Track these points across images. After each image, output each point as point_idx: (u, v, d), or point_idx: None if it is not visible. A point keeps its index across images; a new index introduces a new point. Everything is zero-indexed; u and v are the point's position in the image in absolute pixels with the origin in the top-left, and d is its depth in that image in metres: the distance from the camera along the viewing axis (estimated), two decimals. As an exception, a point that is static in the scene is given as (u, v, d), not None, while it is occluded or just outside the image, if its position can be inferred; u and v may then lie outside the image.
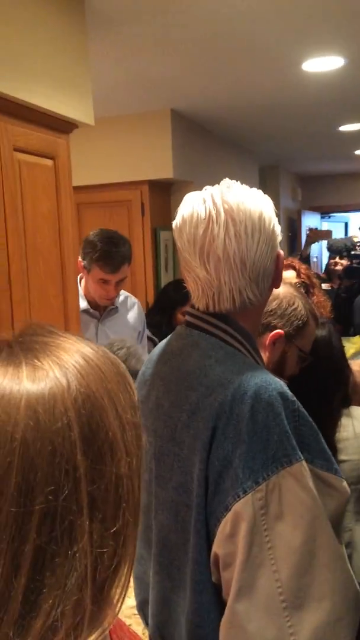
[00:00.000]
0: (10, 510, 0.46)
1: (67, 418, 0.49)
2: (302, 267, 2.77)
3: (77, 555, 0.48)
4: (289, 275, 2.66)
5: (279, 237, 1.03)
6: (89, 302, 2.49)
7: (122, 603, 0.53)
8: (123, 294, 2.62)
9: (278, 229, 1.03)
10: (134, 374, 1.87)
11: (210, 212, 0.97)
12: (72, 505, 0.48)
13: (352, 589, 0.88)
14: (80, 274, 2.47)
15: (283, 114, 3.95)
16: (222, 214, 0.96)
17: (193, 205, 0.99)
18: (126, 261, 2.40)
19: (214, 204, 0.97)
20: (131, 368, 1.86)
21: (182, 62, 2.72)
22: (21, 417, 0.47)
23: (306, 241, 5.53)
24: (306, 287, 2.67)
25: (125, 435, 0.52)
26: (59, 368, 0.51)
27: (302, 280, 2.67)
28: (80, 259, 2.38)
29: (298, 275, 2.69)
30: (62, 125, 1.92)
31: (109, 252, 2.33)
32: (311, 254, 6.71)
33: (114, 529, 0.51)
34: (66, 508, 0.47)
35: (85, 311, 2.46)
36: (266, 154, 5.54)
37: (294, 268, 2.63)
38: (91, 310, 2.48)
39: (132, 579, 1.16)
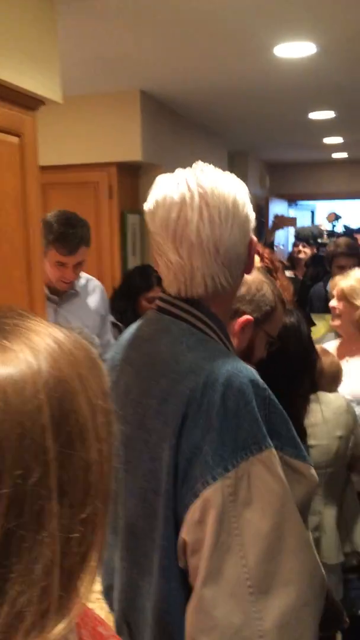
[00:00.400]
0: None
1: (37, 400, 0.47)
2: (265, 252, 2.79)
3: (45, 540, 0.47)
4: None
5: (252, 223, 1.02)
6: (48, 287, 2.41)
7: (90, 592, 0.52)
8: (84, 277, 2.56)
9: (252, 214, 1.02)
10: None
11: (183, 195, 0.95)
12: (42, 490, 0.47)
13: (318, 575, 0.89)
14: None
15: (253, 99, 3.93)
16: (196, 198, 0.94)
17: (166, 189, 0.97)
18: (83, 243, 2.33)
19: (188, 187, 0.95)
20: None
21: (153, 42, 2.67)
22: None
23: (271, 227, 5.57)
24: (269, 271, 2.70)
25: (96, 421, 0.52)
26: (30, 350, 0.50)
27: (265, 264, 2.68)
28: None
29: (261, 260, 2.71)
30: (29, 102, 1.86)
31: (65, 234, 2.27)
32: (277, 241, 6.77)
33: (83, 515, 0.50)
34: (35, 492, 0.47)
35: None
36: (236, 139, 5.53)
37: (257, 252, 2.64)
38: (50, 295, 2.41)
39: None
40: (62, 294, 2.45)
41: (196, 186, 0.95)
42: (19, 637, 0.46)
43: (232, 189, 0.97)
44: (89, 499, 0.51)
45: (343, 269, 3.29)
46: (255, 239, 1.04)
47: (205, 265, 0.96)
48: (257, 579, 0.83)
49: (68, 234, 2.27)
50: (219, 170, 1.01)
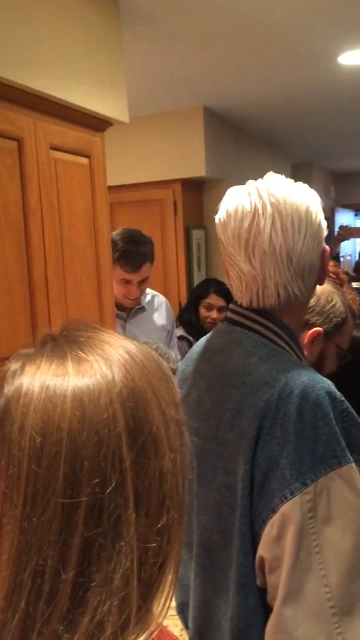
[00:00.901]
0: (57, 501, 0.46)
1: (112, 410, 0.48)
2: (330, 264, 2.71)
3: (123, 549, 0.47)
4: None
5: (325, 232, 1.00)
6: (115, 303, 2.45)
7: (170, 604, 0.52)
8: (150, 293, 2.59)
9: (324, 223, 1.00)
10: None
11: (255, 205, 0.95)
12: (119, 498, 0.47)
13: None
14: None
15: (317, 109, 3.89)
16: (269, 207, 0.94)
17: (238, 199, 0.97)
18: (147, 260, 2.35)
19: (260, 197, 0.95)
20: None
21: (215, 59, 2.70)
22: (67, 407, 0.47)
23: (335, 239, 5.43)
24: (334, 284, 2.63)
25: (169, 431, 0.52)
26: (104, 361, 0.51)
27: (330, 277, 2.60)
28: None
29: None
30: (98, 123, 1.92)
31: (129, 251, 2.29)
32: (343, 252, 6.60)
33: (159, 525, 0.50)
34: (112, 501, 0.47)
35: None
36: (299, 150, 5.47)
37: None
38: (117, 311, 2.45)
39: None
40: (129, 310, 2.49)
41: (268, 195, 0.95)
42: None
43: (305, 198, 0.96)
44: (164, 508, 0.51)
45: None
46: (328, 248, 1.02)
47: (278, 274, 0.95)
48: (339, 600, 0.80)
49: (132, 252, 2.30)
50: (290, 180, 1.00)
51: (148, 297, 2.57)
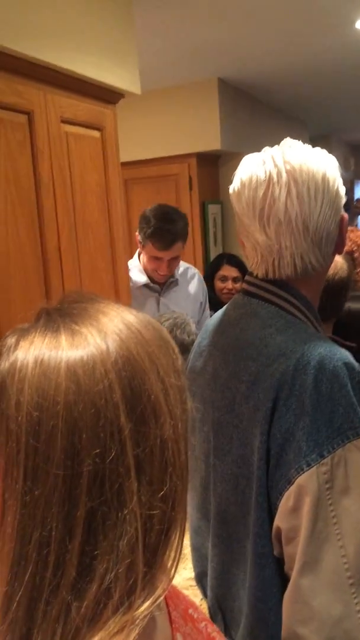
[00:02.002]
0: (57, 473, 0.46)
1: (108, 380, 0.48)
2: (351, 233, 2.66)
3: (127, 517, 0.48)
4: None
5: (343, 200, 0.97)
6: (149, 277, 2.46)
7: (176, 568, 0.53)
8: (183, 265, 2.59)
9: (343, 190, 0.97)
10: (178, 344, 1.87)
11: (270, 173, 0.92)
12: (120, 468, 0.48)
13: None
14: (138, 249, 2.47)
15: (335, 78, 3.79)
16: (284, 175, 0.91)
17: (252, 167, 0.95)
18: (179, 239, 2.33)
19: (275, 164, 0.92)
20: (175, 338, 1.85)
21: (229, 28, 2.63)
22: (62, 380, 0.47)
23: (353, 212, 5.35)
24: (352, 256, 2.58)
25: (169, 398, 0.52)
26: (98, 332, 0.51)
27: (349, 249, 2.56)
28: (137, 233, 2.37)
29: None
30: (109, 95, 1.89)
31: (162, 229, 2.27)
32: (360, 226, 6.51)
33: (162, 492, 0.50)
34: (114, 470, 0.48)
35: (146, 285, 2.45)
36: (317, 122, 5.36)
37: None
38: (151, 285, 2.46)
39: (190, 550, 1.16)
40: (162, 284, 2.50)
41: (283, 163, 0.92)
42: (108, 613, 0.47)
43: (322, 165, 0.93)
44: (167, 475, 0.51)
45: None
46: (346, 215, 0.99)
47: (294, 244, 0.92)
48: (357, 570, 0.79)
49: (164, 230, 2.28)
50: (307, 146, 0.97)
51: (181, 269, 2.57)
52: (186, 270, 2.62)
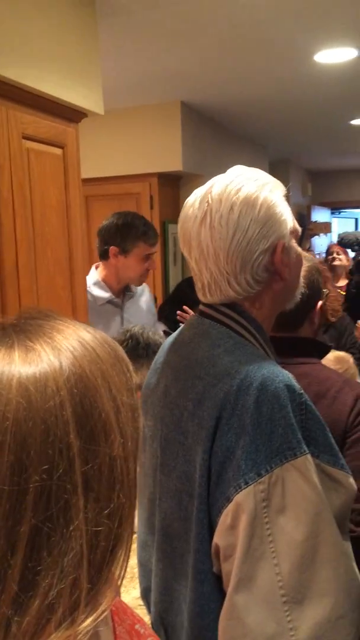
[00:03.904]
0: (3, 489, 0.46)
1: (59, 397, 0.49)
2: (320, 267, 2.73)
3: (72, 534, 0.48)
4: None
5: (285, 225, 0.97)
6: (112, 291, 2.47)
7: (121, 583, 0.54)
8: None
9: (282, 216, 0.96)
10: (154, 344, 1.86)
11: (194, 204, 0.96)
12: (67, 484, 0.48)
13: (355, 587, 0.86)
14: (96, 264, 2.49)
15: (294, 107, 3.91)
16: (204, 205, 0.94)
17: (190, 197, 0.99)
18: None
19: (202, 195, 0.96)
20: (150, 339, 1.85)
21: (192, 54, 2.70)
22: (13, 396, 0.47)
23: (307, 234, 5.49)
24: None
25: (120, 416, 0.52)
26: (52, 349, 0.51)
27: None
28: (113, 246, 2.39)
29: None
30: (72, 114, 1.91)
31: (147, 225, 2.43)
32: (317, 249, 6.69)
33: (109, 509, 0.51)
34: (61, 487, 0.48)
35: (109, 302, 2.46)
36: (277, 148, 5.51)
37: None
38: (114, 300, 2.48)
39: (137, 566, 1.16)
40: (122, 298, 2.52)
41: (207, 192, 0.95)
42: (51, 629, 0.48)
43: (246, 190, 0.94)
44: (114, 493, 0.51)
45: None
46: (283, 242, 0.97)
47: (214, 273, 0.95)
48: (291, 588, 0.81)
49: (149, 225, 2.45)
50: (249, 173, 0.98)
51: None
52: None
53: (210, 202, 0.94)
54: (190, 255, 0.98)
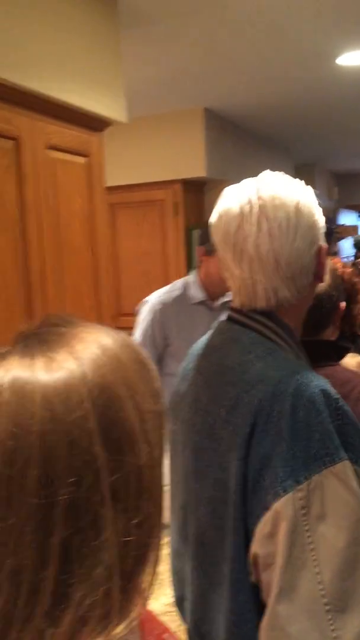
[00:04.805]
0: (32, 502, 0.46)
1: (83, 409, 0.48)
2: (346, 272, 2.66)
3: (103, 545, 0.48)
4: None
5: (321, 230, 0.99)
6: (207, 293, 2.48)
7: (151, 591, 0.53)
8: None
9: (320, 221, 0.99)
10: None
11: (243, 208, 0.94)
12: (94, 496, 0.48)
13: None
14: (198, 266, 2.52)
15: (318, 111, 3.89)
16: (255, 210, 0.93)
17: (228, 201, 0.97)
18: None
19: (248, 200, 0.95)
20: None
21: (214, 60, 2.71)
22: (37, 409, 0.47)
23: (332, 238, 5.42)
24: (349, 295, 2.58)
25: (145, 425, 0.52)
26: (74, 359, 0.50)
27: (344, 289, 2.57)
28: (200, 246, 2.41)
29: (342, 283, 2.59)
30: (96, 123, 1.92)
31: None
32: (345, 252, 6.62)
33: (138, 519, 0.50)
34: (89, 499, 0.47)
35: (201, 302, 2.49)
36: (301, 151, 5.48)
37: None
38: (207, 301, 2.49)
39: (170, 574, 1.15)
40: (217, 304, 2.53)
41: (256, 198, 0.94)
42: (83, 638, 0.47)
43: (294, 197, 0.95)
44: (142, 502, 0.51)
45: None
46: (325, 246, 1.01)
47: (267, 279, 0.94)
48: (333, 596, 0.79)
49: None
50: (283, 179, 0.99)
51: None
52: None
53: (263, 208, 0.93)
54: (241, 261, 0.95)
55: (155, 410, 0.54)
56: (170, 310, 2.49)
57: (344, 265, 2.73)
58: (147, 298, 2.61)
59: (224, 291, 2.48)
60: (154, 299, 2.56)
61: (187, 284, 2.54)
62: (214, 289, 2.46)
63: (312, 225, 0.96)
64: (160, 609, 1.72)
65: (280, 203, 0.93)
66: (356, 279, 2.68)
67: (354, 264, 4.81)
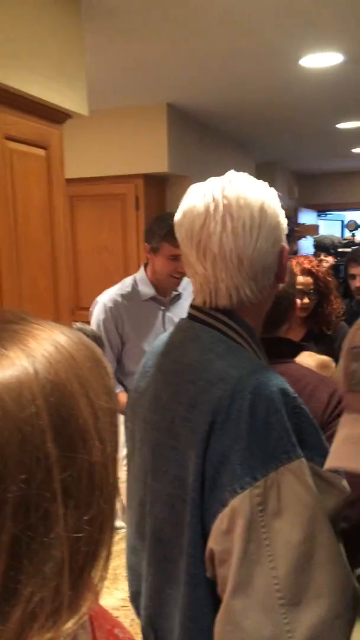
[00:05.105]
0: None
1: (35, 406, 0.48)
2: (321, 271, 2.66)
3: (53, 542, 0.48)
4: (305, 280, 2.63)
5: (284, 232, 1.00)
6: (156, 289, 2.51)
7: (102, 587, 0.54)
8: (185, 279, 2.62)
9: (283, 222, 1.00)
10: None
11: (208, 206, 0.95)
12: (46, 493, 0.48)
13: (350, 588, 0.87)
14: (145, 262, 2.54)
15: (281, 111, 3.93)
16: (220, 209, 0.94)
17: (193, 199, 0.98)
18: None
19: (213, 198, 0.96)
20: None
21: (178, 56, 2.70)
22: None
23: (293, 237, 5.50)
24: (322, 294, 2.61)
25: (98, 422, 0.52)
26: (26, 356, 0.50)
27: (318, 288, 2.60)
28: (145, 243, 2.44)
29: (315, 281, 2.62)
30: (55, 115, 1.90)
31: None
32: (301, 250, 6.73)
33: (89, 515, 0.51)
34: (40, 496, 0.47)
35: (152, 298, 2.51)
36: (263, 150, 5.53)
37: (311, 272, 2.59)
38: (158, 297, 2.52)
39: (126, 569, 1.16)
40: (169, 298, 2.56)
41: (221, 196, 0.95)
42: (33, 635, 0.48)
43: (259, 198, 0.96)
44: (94, 499, 0.51)
45: (354, 278, 3.19)
46: (287, 247, 1.02)
47: (229, 277, 0.95)
48: (287, 591, 0.81)
49: None
50: (249, 179, 1.00)
51: (184, 283, 2.58)
52: (188, 284, 2.66)
53: (228, 207, 0.94)
54: (204, 259, 0.96)
55: (108, 408, 0.54)
56: (122, 308, 2.50)
57: (319, 264, 2.76)
58: (97, 298, 2.61)
59: (172, 286, 2.52)
60: (105, 298, 2.57)
61: (136, 281, 2.57)
62: (162, 285, 2.50)
63: (276, 226, 0.98)
64: (115, 604, 1.73)
65: (245, 203, 0.94)
66: (330, 278, 2.71)
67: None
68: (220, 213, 0.94)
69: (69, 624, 0.49)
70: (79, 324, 2.41)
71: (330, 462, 0.76)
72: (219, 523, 0.86)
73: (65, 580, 0.49)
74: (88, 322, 2.60)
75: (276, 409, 0.87)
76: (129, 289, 2.55)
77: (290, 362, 1.38)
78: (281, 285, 1.24)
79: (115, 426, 0.55)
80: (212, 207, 0.95)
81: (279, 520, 0.83)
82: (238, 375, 0.90)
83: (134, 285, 2.56)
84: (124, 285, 2.58)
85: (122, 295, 2.52)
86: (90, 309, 2.63)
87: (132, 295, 2.53)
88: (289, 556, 0.82)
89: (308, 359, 1.62)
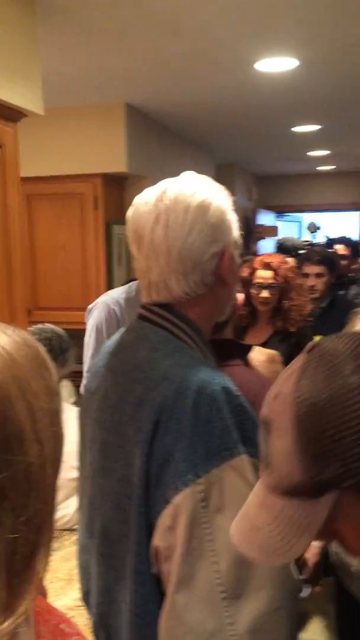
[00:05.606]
0: None
1: None
2: (282, 267, 2.68)
3: None
4: (264, 274, 2.64)
5: (233, 235, 1.01)
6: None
7: (38, 589, 0.53)
8: None
9: (230, 224, 1.00)
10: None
11: (148, 202, 0.98)
12: None
13: (290, 580, 0.89)
14: None
15: (237, 113, 3.98)
16: (159, 204, 0.96)
17: (141, 196, 1.00)
18: None
19: (156, 195, 0.98)
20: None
21: (135, 56, 2.70)
22: None
23: (253, 238, 5.58)
24: (283, 291, 2.63)
25: (37, 424, 0.52)
26: None
27: (278, 282, 2.62)
28: None
29: (275, 276, 2.63)
30: (9, 114, 1.87)
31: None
32: (261, 251, 6.83)
33: (25, 516, 0.50)
34: None
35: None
36: (222, 152, 5.57)
37: (270, 268, 2.61)
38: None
39: (77, 569, 1.15)
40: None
41: (162, 192, 0.97)
42: None
43: (201, 196, 0.97)
44: (31, 500, 0.51)
45: (308, 277, 3.24)
46: (229, 250, 1.00)
47: (159, 268, 0.97)
48: (229, 584, 0.83)
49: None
50: (199, 179, 1.01)
51: None
52: None
53: (165, 202, 0.96)
54: (140, 251, 0.98)
55: (49, 409, 0.54)
56: (125, 313, 2.48)
57: (282, 261, 2.78)
58: (98, 300, 2.59)
59: None
60: (108, 298, 2.55)
61: (139, 287, 2.56)
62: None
63: (217, 226, 0.98)
64: (70, 604, 1.72)
65: (182, 199, 0.96)
66: (291, 275, 2.73)
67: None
68: (158, 207, 0.96)
69: (5, 625, 0.49)
70: (39, 326, 2.38)
71: (233, 539, 0.74)
72: (163, 520, 0.87)
73: (2, 580, 0.49)
74: (48, 322, 2.57)
75: (219, 407, 0.88)
76: (132, 294, 2.53)
77: (236, 365, 1.38)
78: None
79: (56, 427, 0.55)
80: (152, 203, 0.97)
81: (221, 516, 0.85)
82: (182, 374, 0.91)
83: (138, 291, 2.51)
84: (129, 289, 2.56)
85: (126, 300, 2.51)
86: (89, 307, 2.59)
87: (134, 300, 2.51)
88: (231, 551, 0.83)
89: (258, 354, 1.65)
